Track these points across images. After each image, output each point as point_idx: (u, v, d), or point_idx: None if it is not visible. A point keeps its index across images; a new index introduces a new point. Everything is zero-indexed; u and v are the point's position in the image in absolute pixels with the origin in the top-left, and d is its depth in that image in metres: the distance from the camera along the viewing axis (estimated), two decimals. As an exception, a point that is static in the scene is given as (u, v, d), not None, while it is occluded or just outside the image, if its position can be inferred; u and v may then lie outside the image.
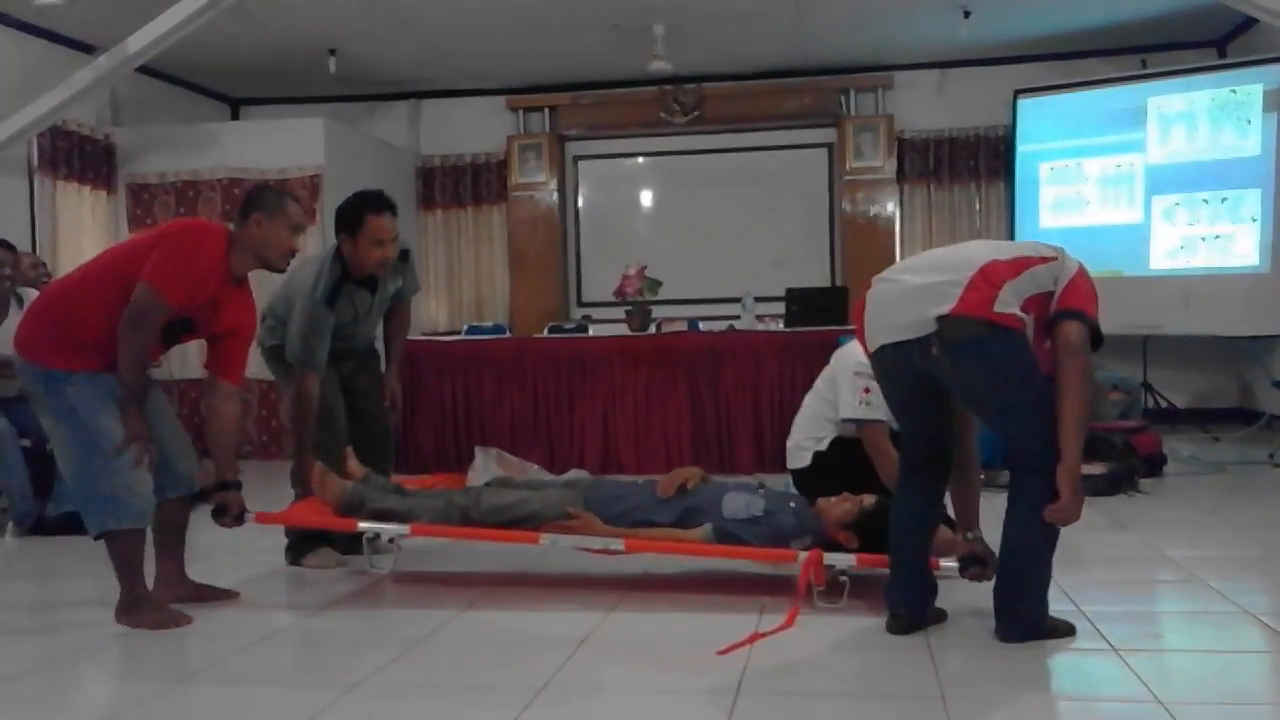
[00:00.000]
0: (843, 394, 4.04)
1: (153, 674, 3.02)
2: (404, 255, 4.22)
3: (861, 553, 3.43)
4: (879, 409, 3.76)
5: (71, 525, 4.81)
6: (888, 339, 3.05)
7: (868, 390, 3.86)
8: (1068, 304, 2.98)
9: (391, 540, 3.65)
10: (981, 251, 3.07)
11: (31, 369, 3.33)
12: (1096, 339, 2.98)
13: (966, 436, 3.17)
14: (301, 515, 3.90)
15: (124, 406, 3.27)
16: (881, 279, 3.16)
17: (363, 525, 3.66)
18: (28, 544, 4.83)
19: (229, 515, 3.62)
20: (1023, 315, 2.93)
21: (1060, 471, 2.89)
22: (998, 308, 2.90)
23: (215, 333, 3.53)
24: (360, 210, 3.97)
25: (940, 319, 2.93)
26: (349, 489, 3.75)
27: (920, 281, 3.02)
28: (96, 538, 3.33)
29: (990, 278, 2.94)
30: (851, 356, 3.99)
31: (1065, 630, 3.04)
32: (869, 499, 3.54)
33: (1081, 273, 3.06)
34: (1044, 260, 3.04)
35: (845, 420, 4.05)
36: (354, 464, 3.88)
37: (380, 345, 4.47)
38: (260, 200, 3.51)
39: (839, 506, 3.56)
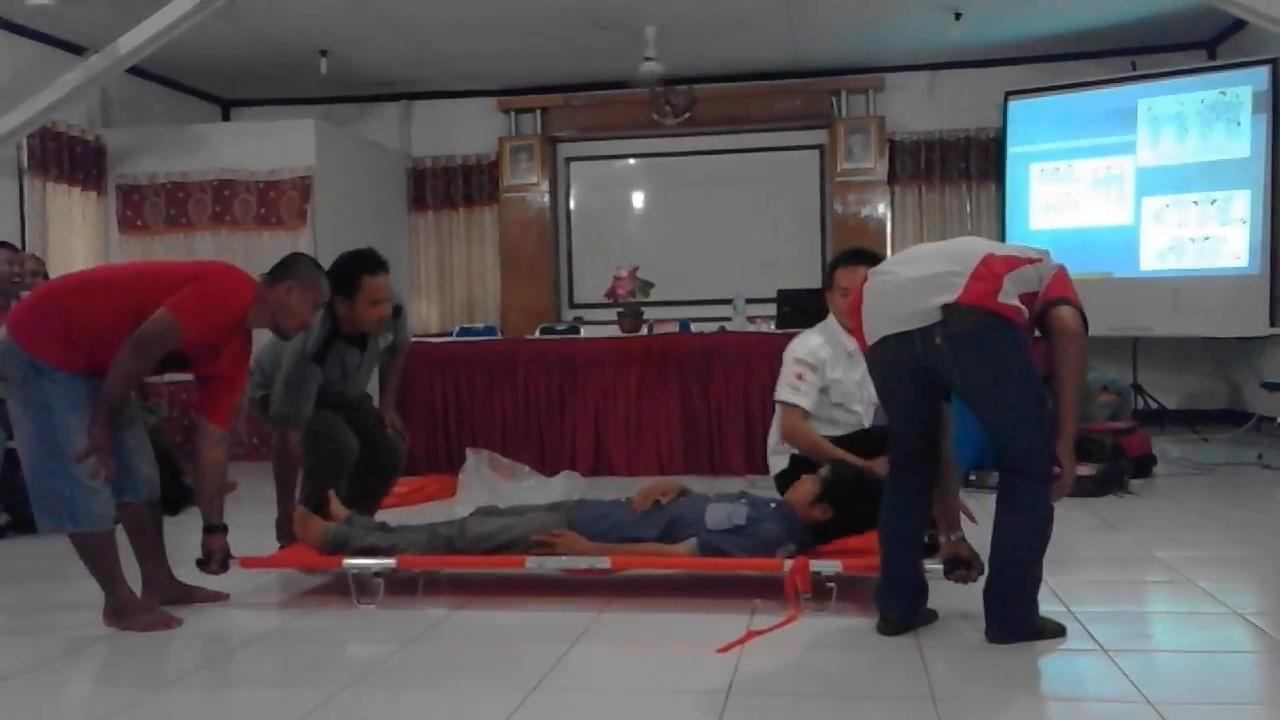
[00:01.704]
0: (780, 378, 4.15)
1: (142, 676, 3.01)
2: (396, 312, 4.29)
3: (839, 520, 3.51)
4: (805, 396, 4.02)
5: None
6: (889, 330, 3.05)
7: (800, 377, 4.07)
8: (1056, 293, 3.04)
9: (378, 575, 3.61)
10: (979, 245, 3.13)
11: (18, 354, 3.29)
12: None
13: (944, 438, 3.17)
14: (287, 558, 3.88)
15: (95, 417, 3.22)
16: (878, 271, 3.17)
17: (348, 562, 3.61)
18: (14, 546, 4.82)
19: (214, 561, 3.55)
20: (1023, 309, 2.96)
21: (1060, 442, 2.96)
22: (1001, 298, 2.92)
23: (207, 375, 3.48)
24: (356, 272, 4.02)
25: (945, 308, 2.94)
26: (332, 530, 3.71)
27: (921, 273, 3.03)
28: (43, 533, 3.36)
29: (993, 268, 2.97)
30: (799, 347, 4.16)
31: (1055, 631, 3.05)
32: (824, 469, 3.58)
33: (1063, 270, 3.13)
34: (1031, 261, 3.07)
35: (777, 401, 4.15)
36: (336, 506, 3.83)
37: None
38: (297, 269, 3.51)
39: (800, 488, 3.59)
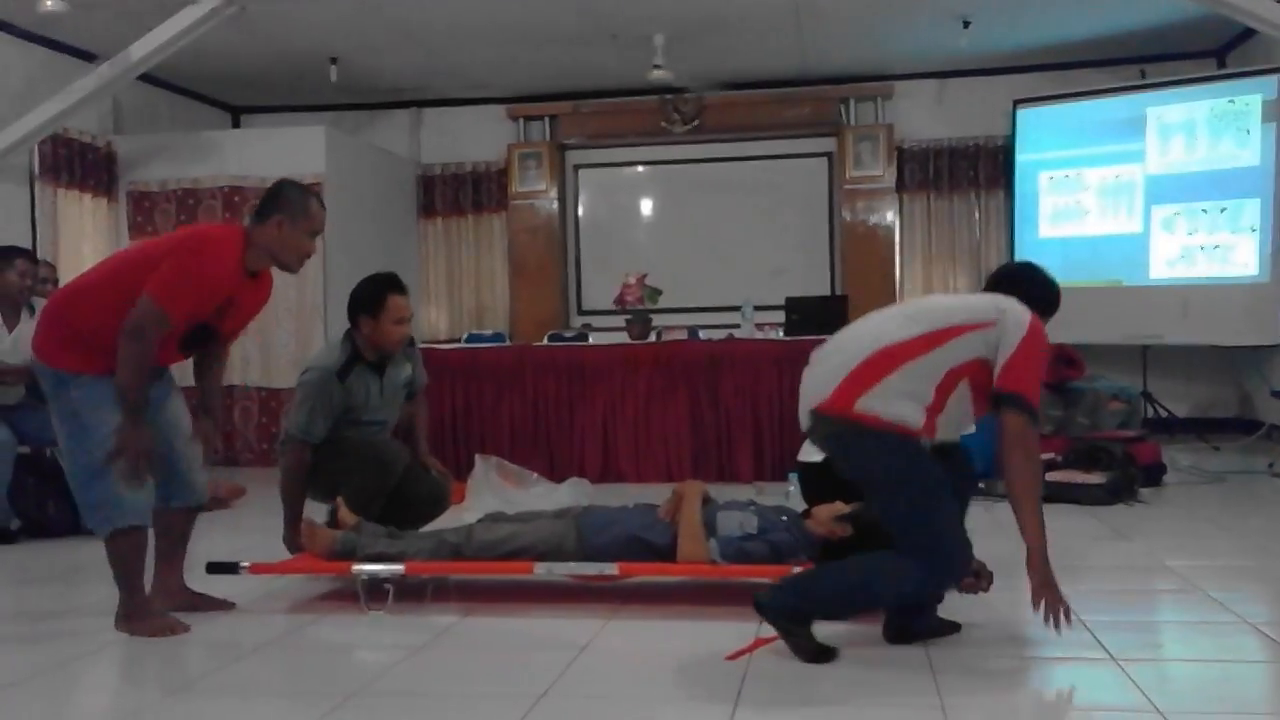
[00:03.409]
0: None
1: (149, 683, 3.02)
2: (409, 340, 4.36)
3: (852, 543, 3.43)
4: None
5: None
6: (802, 425, 3.13)
7: None
8: (1006, 385, 2.87)
9: (386, 581, 3.61)
10: (897, 328, 2.98)
11: (43, 369, 3.34)
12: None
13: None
14: (296, 565, 3.88)
15: (122, 420, 3.22)
16: (818, 351, 3.16)
17: (357, 568, 3.61)
18: (26, 550, 4.83)
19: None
20: (896, 418, 2.86)
21: (1029, 560, 2.87)
22: (858, 407, 2.89)
23: (234, 326, 3.52)
24: (381, 291, 4.12)
25: (811, 413, 3.01)
26: (339, 538, 3.71)
27: (826, 365, 3.04)
28: (99, 534, 3.34)
29: (877, 365, 2.90)
30: None
31: (945, 629, 3.04)
32: (862, 506, 3.55)
33: (1029, 338, 2.90)
34: (979, 326, 2.92)
35: None
36: (344, 513, 3.85)
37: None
38: (282, 200, 3.40)
39: (832, 507, 3.56)
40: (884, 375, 2.89)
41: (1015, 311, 2.96)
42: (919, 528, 2.88)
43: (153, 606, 3.43)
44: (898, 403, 2.88)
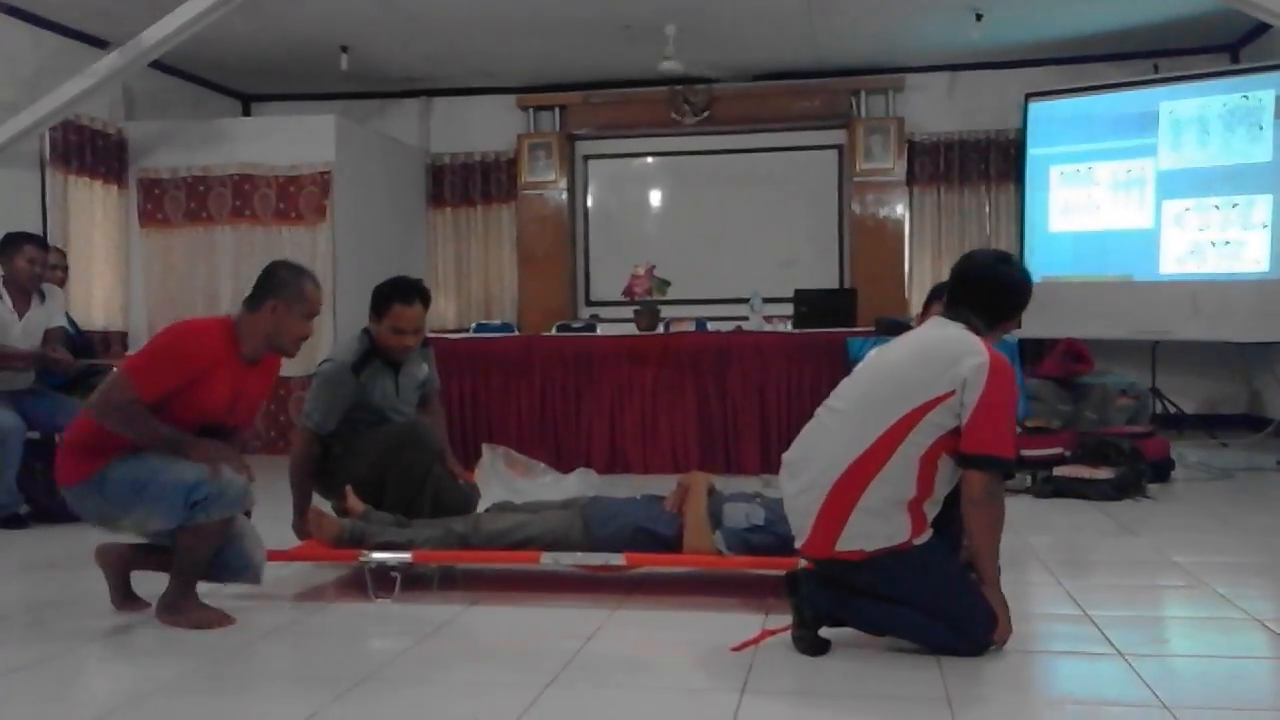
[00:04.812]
0: None
1: (157, 668, 3.02)
2: (424, 342, 4.34)
3: None
4: None
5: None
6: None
7: None
8: (971, 447, 2.80)
9: (394, 569, 3.61)
10: (852, 436, 2.87)
11: (74, 490, 3.26)
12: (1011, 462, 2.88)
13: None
14: (304, 552, 3.88)
15: (181, 451, 3.17)
16: (791, 453, 3.05)
17: (364, 556, 3.60)
18: (35, 535, 4.85)
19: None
20: (883, 543, 2.83)
21: (985, 590, 2.89)
22: (839, 548, 2.87)
23: (246, 419, 3.51)
24: (389, 297, 4.08)
25: (800, 550, 2.99)
26: (346, 526, 3.72)
27: (798, 490, 2.96)
28: (191, 527, 3.22)
29: (844, 494, 2.83)
30: None
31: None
32: None
33: (990, 387, 2.78)
34: (938, 400, 2.80)
35: None
36: (353, 500, 3.85)
37: None
38: (275, 284, 3.35)
39: None
40: (854, 503, 2.83)
41: (970, 362, 2.81)
42: (938, 618, 2.86)
43: (198, 598, 3.34)
44: (877, 526, 2.84)
